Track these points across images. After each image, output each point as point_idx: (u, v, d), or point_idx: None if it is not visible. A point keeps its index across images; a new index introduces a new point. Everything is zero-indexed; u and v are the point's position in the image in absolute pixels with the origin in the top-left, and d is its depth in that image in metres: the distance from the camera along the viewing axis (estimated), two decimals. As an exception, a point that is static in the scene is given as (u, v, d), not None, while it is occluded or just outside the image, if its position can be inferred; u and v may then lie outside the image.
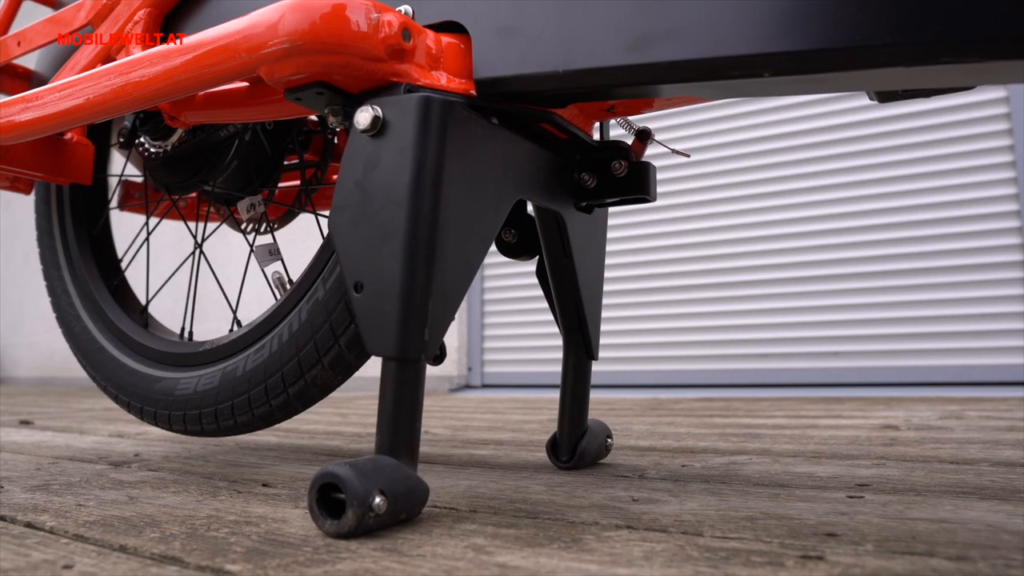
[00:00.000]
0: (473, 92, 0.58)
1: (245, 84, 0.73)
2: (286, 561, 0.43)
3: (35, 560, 0.44)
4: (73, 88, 0.70)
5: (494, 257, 2.89)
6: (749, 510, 0.55)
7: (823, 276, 2.30)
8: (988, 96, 2.10)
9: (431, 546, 0.46)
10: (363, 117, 0.54)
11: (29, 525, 0.54)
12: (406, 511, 0.51)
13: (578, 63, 0.54)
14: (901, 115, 2.22)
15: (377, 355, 0.53)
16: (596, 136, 0.74)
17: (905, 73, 0.48)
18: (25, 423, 1.51)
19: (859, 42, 0.46)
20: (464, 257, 0.56)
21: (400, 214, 0.52)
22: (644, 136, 0.72)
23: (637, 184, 0.70)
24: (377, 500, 0.47)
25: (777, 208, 2.39)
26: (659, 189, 2.57)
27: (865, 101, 2.27)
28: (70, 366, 3.92)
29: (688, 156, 0.77)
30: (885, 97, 0.61)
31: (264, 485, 0.70)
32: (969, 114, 2.12)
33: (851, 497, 0.60)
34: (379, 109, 0.54)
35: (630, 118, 0.73)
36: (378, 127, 0.54)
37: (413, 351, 0.51)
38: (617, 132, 2.43)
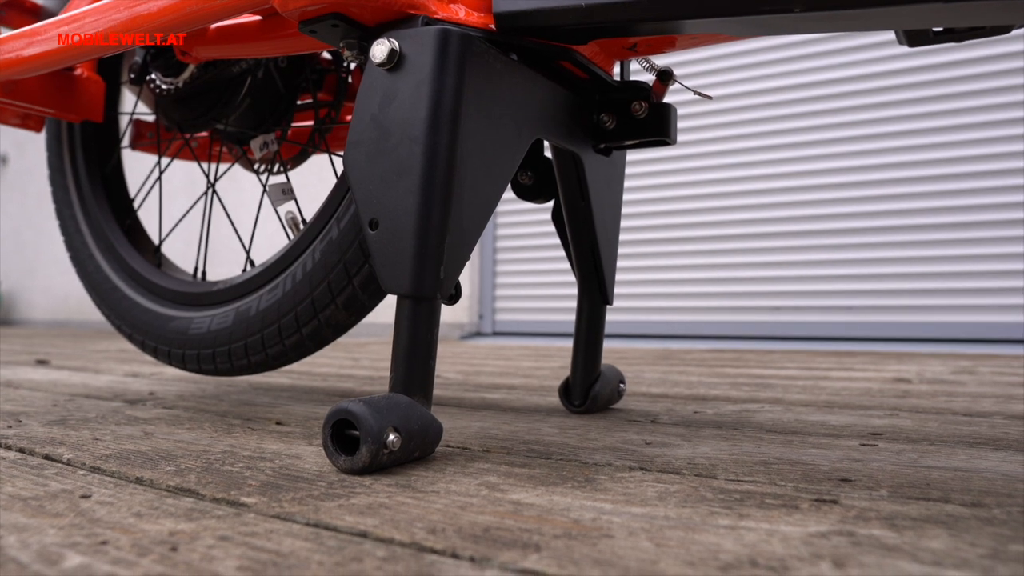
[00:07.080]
0: (492, 26, 0.56)
1: (258, 17, 0.71)
2: (300, 495, 0.43)
3: (53, 490, 0.45)
4: (79, 21, 0.69)
5: (506, 204, 2.87)
6: (762, 455, 0.55)
7: (837, 230, 2.27)
8: (1013, 48, 2.04)
9: (445, 483, 0.46)
10: (379, 50, 0.53)
11: (47, 457, 0.55)
12: (420, 449, 0.51)
13: (602, -4, 0.52)
14: (922, 67, 2.16)
15: (392, 293, 0.52)
16: (617, 76, 0.72)
17: (942, 9, 0.46)
18: (41, 362, 1.53)
19: (897, -26, 0.44)
20: (481, 195, 0.55)
21: (416, 149, 0.51)
22: (665, 77, 0.70)
23: (657, 126, 0.68)
24: (391, 437, 0.47)
25: (793, 160, 2.35)
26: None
27: (890, 51, 2.20)
28: (84, 308, 3.96)
29: (711, 99, 0.75)
30: (915, 41, 0.59)
31: (278, 423, 0.71)
32: (991, 67, 2.07)
33: (864, 445, 0.60)
34: (396, 42, 0.52)
35: (651, 58, 0.71)
36: (394, 61, 0.53)
37: (428, 289, 0.51)
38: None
